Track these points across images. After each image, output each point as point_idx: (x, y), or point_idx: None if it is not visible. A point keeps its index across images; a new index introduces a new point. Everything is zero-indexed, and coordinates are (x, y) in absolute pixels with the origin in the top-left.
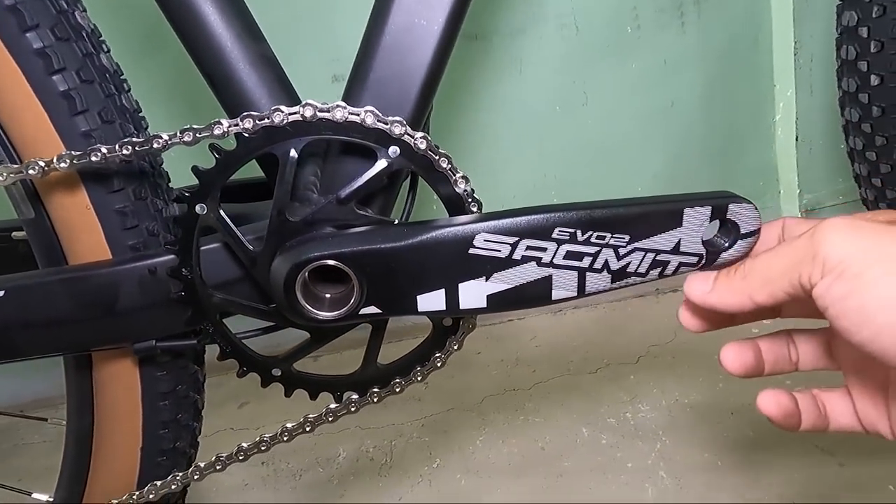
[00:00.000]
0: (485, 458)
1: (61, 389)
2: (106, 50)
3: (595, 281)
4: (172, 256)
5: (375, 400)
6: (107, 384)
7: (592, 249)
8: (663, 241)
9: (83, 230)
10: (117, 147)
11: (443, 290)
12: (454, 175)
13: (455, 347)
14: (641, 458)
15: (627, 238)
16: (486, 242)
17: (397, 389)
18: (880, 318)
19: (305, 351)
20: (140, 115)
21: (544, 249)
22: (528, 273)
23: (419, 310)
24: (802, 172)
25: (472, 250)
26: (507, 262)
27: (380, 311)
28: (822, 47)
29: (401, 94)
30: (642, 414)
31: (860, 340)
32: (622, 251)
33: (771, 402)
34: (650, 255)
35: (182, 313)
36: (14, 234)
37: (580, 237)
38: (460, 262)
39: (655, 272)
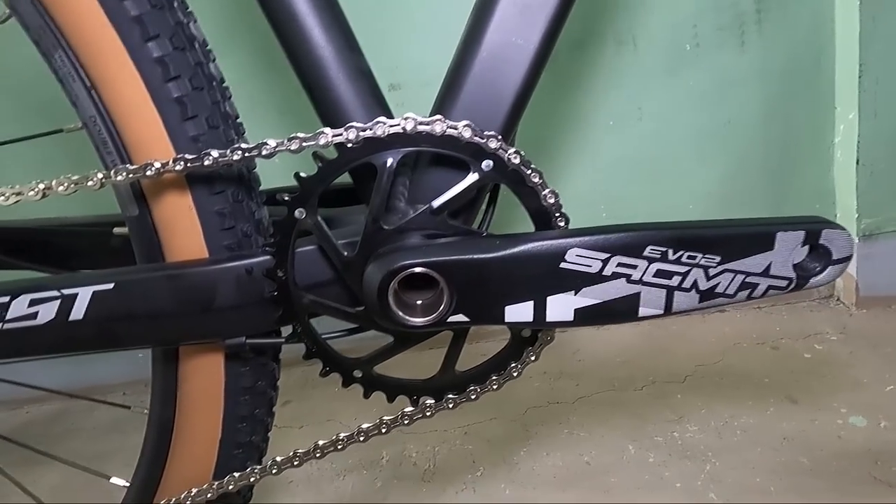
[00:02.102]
0: (529, 469)
1: (115, 377)
2: (213, 59)
3: (683, 300)
4: (269, 257)
5: (451, 406)
6: (192, 376)
7: (682, 269)
8: (754, 263)
9: (184, 229)
10: (228, 152)
11: (531, 303)
12: (544, 190)
13: (532, 359)
14: (690, 478)
15: (718, 259)
16: (578, 257)
17: (473, 397)
18: None
19: (388, 354)
20: (238, 121)
21: (635, 267)
22: (617, 289)
23: (506, 320)
24: (862, 196)
25: (563, 264)
26: (598, 278)
27: (467, 320)
28: (889, 71)
29: (493, 109)
30: (690, 434)
31: None
32: (712, 271)
33: None
34: (740, 277)
35: (273, 312)
36: (115, 229)
37: (671, 256)
38: (551, 276)
39: (744, 294)
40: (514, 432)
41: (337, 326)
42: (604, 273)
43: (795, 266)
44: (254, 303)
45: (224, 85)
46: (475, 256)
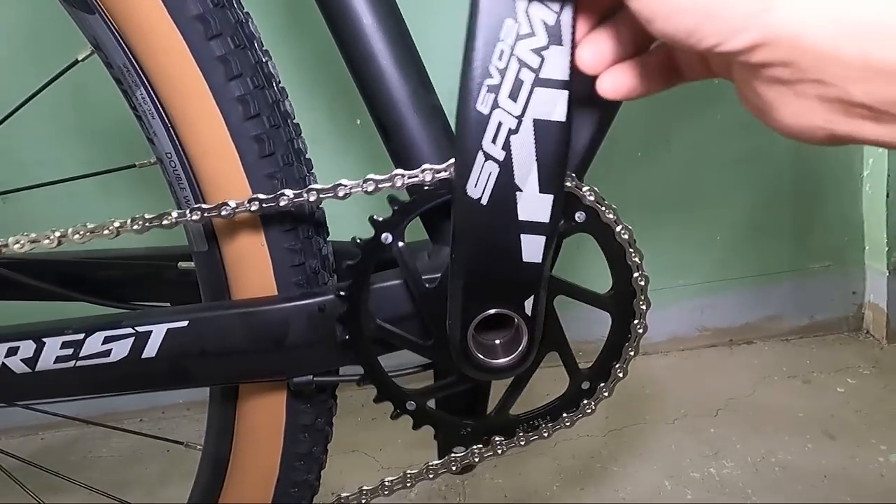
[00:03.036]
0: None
1: (130, 403)
2: (286, 96)
3: None
4: (342, 295)
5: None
6: (251, 413)
7: None
8: None
9: (254, 266)
10: (304, 193)
11: None
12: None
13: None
14: None
15: None
16: None
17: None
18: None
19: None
20: (308, 156)
21: None
22: None
23: None
24: (892, 229)
25: None
26: None
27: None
28: None
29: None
30: (727, 470)
31: (656, 30)
32: None
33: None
34: None
35: (343, 351)
36: (181, 264)
37: None
38: None
39: None
40: (545, 465)
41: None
42: None
43: None
44: (325, 340)
45: (295, 121)
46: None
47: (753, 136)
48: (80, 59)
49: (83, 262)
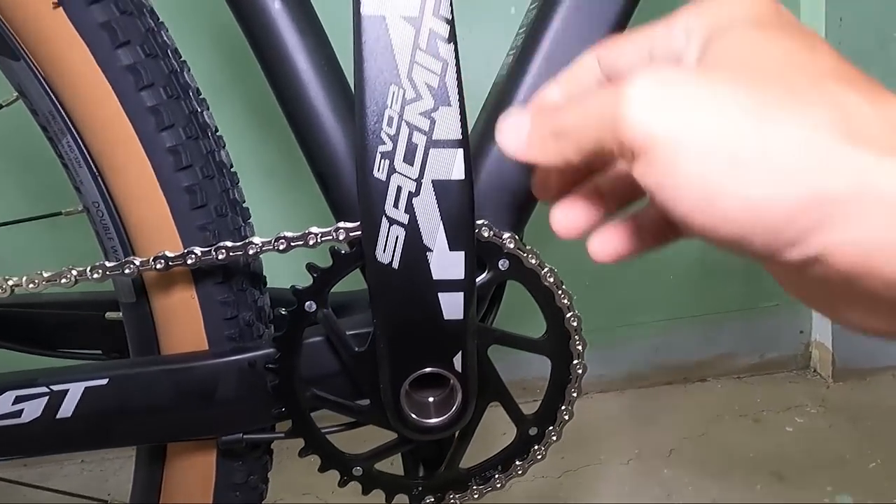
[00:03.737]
0: None
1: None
2: (223, 145)
3: None
4: (273, 350)
5: None
6: (179, 472)
7: None
8: None
9: (184, 319)
10: (242, 245)
11: None
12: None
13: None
14: None
15: None
16: None
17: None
18: (691, 197)
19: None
20: (245, 205)
21: None
22: None
23: None
24: None
25: None
26: None
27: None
28: None
29: (508, 202)
30: None
31: (676, 215)
32: None
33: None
34: None
35: (273, 407)
36: (108, 314)
37: None
38: None
39: None
40: None
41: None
42: None
43: None
44: (255, 397)
45: (233, 170)
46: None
47: None
48: (2, 104)
49: (10, 307)
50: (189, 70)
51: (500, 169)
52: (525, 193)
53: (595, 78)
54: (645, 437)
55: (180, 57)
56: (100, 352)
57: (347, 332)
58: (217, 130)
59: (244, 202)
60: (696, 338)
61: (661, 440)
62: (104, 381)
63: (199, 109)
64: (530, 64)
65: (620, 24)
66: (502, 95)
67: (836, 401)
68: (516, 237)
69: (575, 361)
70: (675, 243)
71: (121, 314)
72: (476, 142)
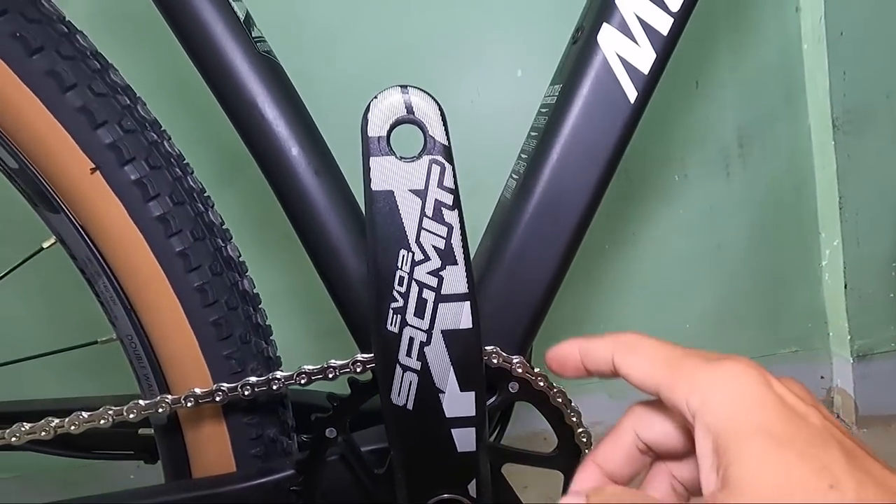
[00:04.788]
0: None
1: None
2: (246, 272)
3: None
4: (293, 472)
5: None
6: None
7: None
8: None
9: (212, 442)
10: (266, 381)
11: None
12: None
13: None
14: None
15: None
16: None
17: None
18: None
19: None
20: (268, 325)
21: None
22: None
23: None
24: (853, 318)
25: None
26: None
27: None
28: (868, 203)
29: (515, 322)
30: None
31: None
32: None
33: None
34: None
35: None
36: (141, 430)
37: None
38: None
39: None
40: None
41: None
42: None
43: None
44: None
45: (255, 294)
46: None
47: (714, 232)
48: (44, 246)
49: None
50: (212, 208)
51: (508, 289)
52: (532, 310)
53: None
54: None
55: (204, 191)
56: (131, 453)
57: (364, 449)
58: (240, 256)
59: (266, 322)
60: None
61: None
62: None
63: (223, 245)
64: (533, 191)
65: (617, 155)
66: (508, 217)
67: None
68: (524, 362)
69: None
70: (690, 292)
71: (152, 431)
72: (483, 261)
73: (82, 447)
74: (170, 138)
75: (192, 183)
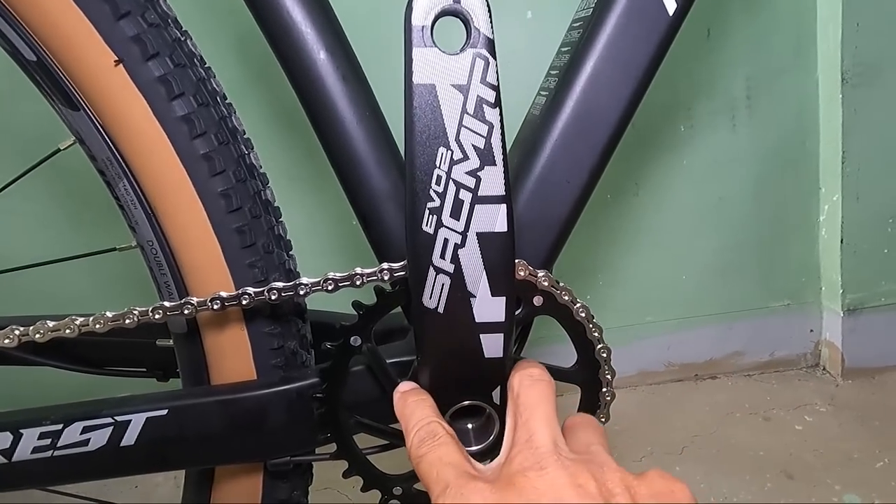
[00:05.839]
0: None
1: None
2: (267, 183)
3: None
4: (318, 380)
5: None
6: (227, 493)
7: None
8: None
9: (233, 350)
10: (293, 286)
11: None
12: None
13: None
14: None
15: None
16: None
17: None
18: None
19: None
20: (288, 239)
21: None
22: None
23: None
24: (846, 273)
25: None
26: None
27: None
28: (870, 158)
29: (540, 242)
30: None
31: None
32: None
33: None
34: None
35: (319, 432)
36: (159, 341)
37: None
38: None
39: None
40: None
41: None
42: None
43: None
44: (301, 423)
45: (276, 207)
46: None
47: (717, 184)
48: (62, 147)
49: None
50: (235, 113)
51: (536, 204)
52: (559, 227)
53: None
54: (658, 435)
55: (226, 99)
56: (144, 370)
57: (388, 361)
58: (261, 167)
59: (286, 236)
60: (708, 336)
61: (674, 438)
62: (164, 412)
63: (246, 152)
64: (564, 107)
65: (651, 71)
66: (537, 133)
67: (845, 399)
68: (550, 275)
69: (604, 389)
70: (690, 243)
71: (171, 342)
72: (510, 177)
73: (96, 361)
74: (192, 38)
75: (215, 86)
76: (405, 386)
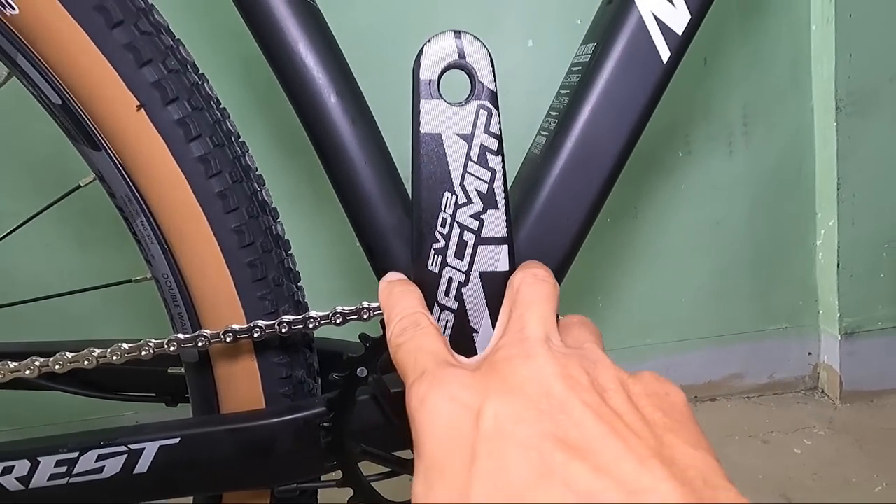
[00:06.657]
0: None
1: None
2: (278, 218)
3: None
4: (325, 409)
5: None
6: None
7: None
8: None
9: (243, 379)
10: (302, 319)
11: None
12: None
13: None
14: None
15: None
16: None
17: None
18: None
19: None
20: (297, 271)
21: None
22: None
23: None
24: (843, 297)
25: None
26: None
27: None
28: (865, 184)
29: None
30: None
31: None
32: None
33: None
34: None
35: (326, 459)
36: (170, 369)
37: None
38: None
39: None
40: None
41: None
42: None
43: None
44: (308, 451)
45: (286, 240)
46: None
47: (714, 208)
48: (82, 184)
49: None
50: (248, 151)
51: (536, 241)
52: (558, 262)
53: None
54: None
55: (240, 137)
56: (154, 395)
57: (394, 391)
58: (272, 202)
59: (295, 268)
60: (707, 358)
61: None
62: (176, 441)
63: (258, 189)
64: (564, 147)
65: (647, 114)
66: (538, 172)
67: (844, 423)
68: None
69: None
70: (688, 266)
71: (182, 370)
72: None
73: (109, 387)
74: (208, 81)
75: (230, 126)
76: (393, 276)
